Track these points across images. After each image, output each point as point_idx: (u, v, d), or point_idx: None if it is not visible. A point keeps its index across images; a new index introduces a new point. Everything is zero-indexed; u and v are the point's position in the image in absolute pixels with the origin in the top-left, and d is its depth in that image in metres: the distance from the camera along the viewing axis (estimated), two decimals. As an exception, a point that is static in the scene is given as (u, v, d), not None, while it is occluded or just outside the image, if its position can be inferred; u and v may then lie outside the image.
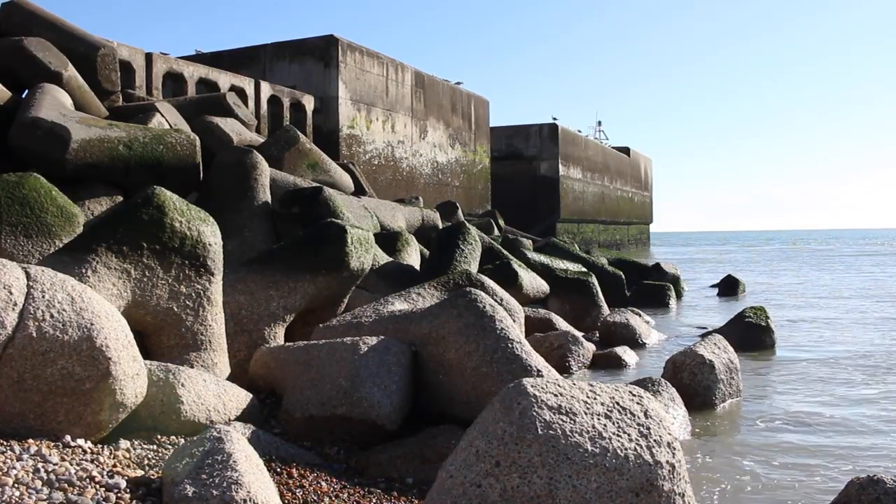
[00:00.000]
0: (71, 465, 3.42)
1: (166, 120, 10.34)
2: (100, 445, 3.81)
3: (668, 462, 3.12)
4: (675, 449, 3.19)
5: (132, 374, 3.91)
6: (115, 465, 3.59)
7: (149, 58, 16.02)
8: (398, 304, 6.46)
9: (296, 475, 4.04)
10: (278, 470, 4.05)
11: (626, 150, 52.16)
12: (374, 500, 3.99)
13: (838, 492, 3.77)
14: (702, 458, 5.59)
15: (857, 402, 7.34)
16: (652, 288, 16.34)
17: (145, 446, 4.01)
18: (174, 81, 16.65)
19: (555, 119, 38.71)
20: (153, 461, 3.80)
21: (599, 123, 57.17)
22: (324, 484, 4.01)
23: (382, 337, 5.15)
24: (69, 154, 7.54)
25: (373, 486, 4.19)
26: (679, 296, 17.79)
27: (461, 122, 28.11)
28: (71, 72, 9.56)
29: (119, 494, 3.22)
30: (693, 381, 6.83)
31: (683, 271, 22.58)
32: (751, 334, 10.02)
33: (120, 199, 8.03)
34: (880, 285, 22.08)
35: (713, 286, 20.61)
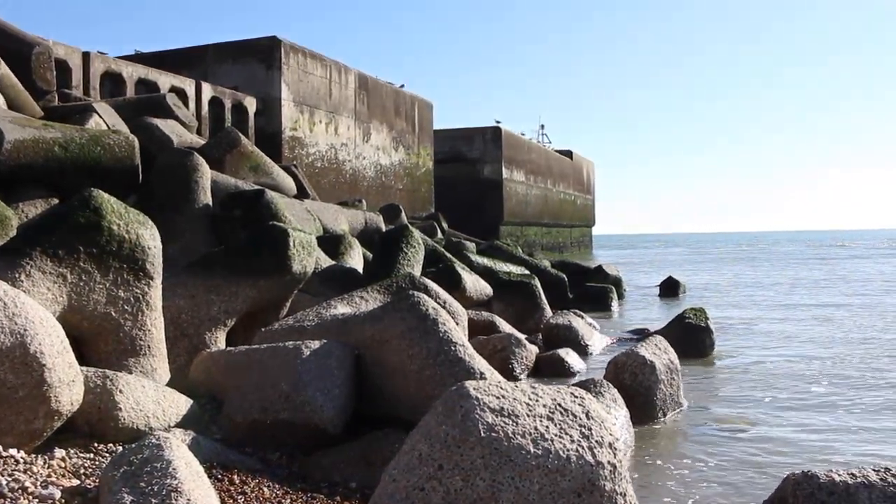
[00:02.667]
0: (2, 475, 3.33)
1: (104, 121, 10.15)
2: (33, 455, 3.72)
3: (609, 462, 3.16)
4: (616, 449, 3.23)
5: (68, 381, 3.82)
6: (49, 475, 3.50)
7: (86, 57, 15.72)
8: (341, 308, 6.43)
9: (237, 481, 3.99)
10: (219, 476, 3.99)
11: (568, 154, 52.66)
12: (316, 506, 3.96)
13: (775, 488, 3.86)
14: (643, 457, 5.67)
15: (796, 401, 7.51)
16: (594, 290, 16.52)
17: (81, 455, 3.92)
18: (112, 82, 16.37)
19: (498, 122, 38.94)
20: (90, 470, 3.72)
21: (542, 127, 57.64)
22: (266, 490, 3.97)
23: (325, 340, 5.12)
24: (2, 155, 7.35)
25: (316, 490, 4.16)
26: (621, 297, 18.02)
27: (405, 125, 28.10)
28: (4, 70, 9.33)
29: (54, 504, 3.15)
30: (634, 382, 6.91)
31: (625, 273, 22.87)
32: (691, 335, 10.17)
33: (56, 201, 7.85)
34: (822, 286, 22.63)
35: (655, 287, 20.92)
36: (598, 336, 11.21)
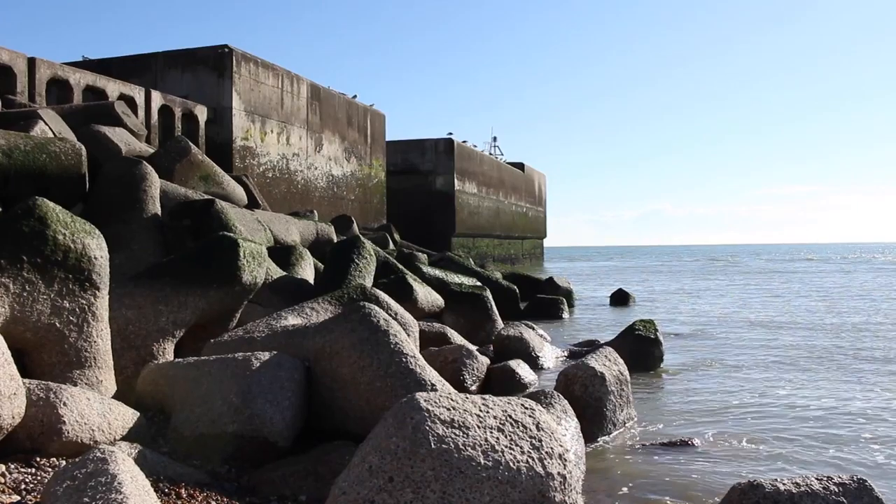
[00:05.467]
0: (-59, 490, 3.25)
1: (50, 128, 9.98)
2: (-27, 470, 3.63)
3: (559, 473, 3.17)
4: (566, 461, 3.24)
5: (9, 394, 3.73)
6: (-11, 491, 3.42)
7: (31, 63, 15.45)
8: (291, 319, 6.38)
9: (185, 495, 3.93)
10: (166, 490, 3.93)
11: (520, 166, 53.01)
12: (265, 519, 3.92)
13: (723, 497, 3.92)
14: (593, 468, 5.70)
15: (745, 410, 7.62)
16: (545, 301, 16.63)
17: (23, 470, 3.83)
18: (59, 88, 16.10)
19: (450, 134, 39.13)
20: (31, 485, 3.63)
21: (495, 139, 58.05)
22: (214, 503, 3.92)
23: (275, 352, 5.08)
24: (-57, 162, 7.19)
25: (265, 504, 4.12)
26: (572, 309, 18.15)
27: (357, 136, 28.05)
28: (-54, 76, 9.14)
29: (-7, 521, 3.08)
30: (585, 394, 6.95)
31: (576, 285, 23.06)
32: (640, 347, 10.26)
33: (-2, 210, 7.69)
34: (773, 298, 23.01)
35: (605, 299, 21.11)
36: (548, 348, 11.26)
